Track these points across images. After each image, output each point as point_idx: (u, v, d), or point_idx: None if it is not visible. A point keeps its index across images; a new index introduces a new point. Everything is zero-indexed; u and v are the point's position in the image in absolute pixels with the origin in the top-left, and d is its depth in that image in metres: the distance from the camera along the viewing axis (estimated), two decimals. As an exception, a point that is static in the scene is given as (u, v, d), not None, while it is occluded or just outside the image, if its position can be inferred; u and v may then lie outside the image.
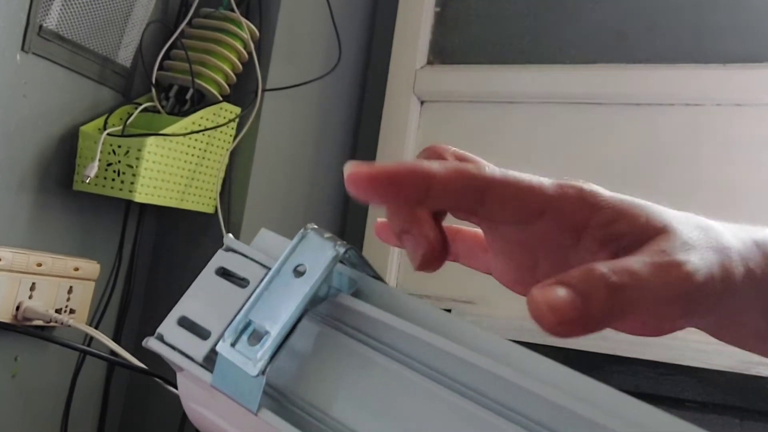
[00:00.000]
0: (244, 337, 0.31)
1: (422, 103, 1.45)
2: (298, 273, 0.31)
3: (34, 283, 1.01)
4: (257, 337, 0.30)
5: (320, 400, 0.31)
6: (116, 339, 1.18)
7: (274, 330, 0.30)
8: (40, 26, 1.02)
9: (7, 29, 0.98)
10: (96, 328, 1.13)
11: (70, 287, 1.07)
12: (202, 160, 1.18)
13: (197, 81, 1.15)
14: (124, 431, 1.25)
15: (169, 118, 1.15)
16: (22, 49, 1.01)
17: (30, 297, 1.01)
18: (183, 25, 1.21)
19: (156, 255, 1.28)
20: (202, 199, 1.20)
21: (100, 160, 1.05)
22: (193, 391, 0.35)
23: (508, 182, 0.33)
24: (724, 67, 1.23)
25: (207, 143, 1.18)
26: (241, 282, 0.34)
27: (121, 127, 1.09)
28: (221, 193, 1.23)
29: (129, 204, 1.20)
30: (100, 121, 1.10)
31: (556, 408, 0.25)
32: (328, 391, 0.31)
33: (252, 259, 0.34)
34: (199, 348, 0.33)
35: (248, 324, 0.31)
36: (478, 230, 0.40)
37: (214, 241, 1.22)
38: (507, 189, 0.32)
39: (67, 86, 1.09)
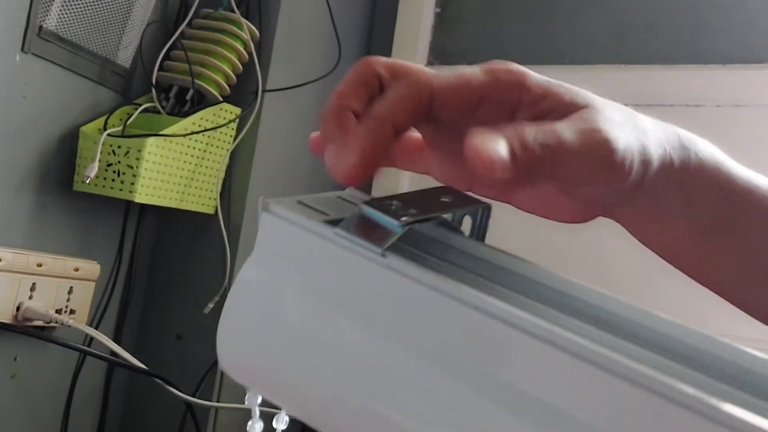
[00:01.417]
0: (386, 208, 0.32)
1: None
2: (443, 198, 0.35)
3: (34, 284, 1.01)
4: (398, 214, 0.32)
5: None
6: (116, 339, 1.18)
7: (417, 214, 0.32)
8: (40, 27, 1.02)
9: (7, 29, 0.98)
10: (96, 328, 1.13)
11: (70, 287, 1.07)
12: (202, 160, 1.18)
13: (197, 81, 1.15)
14: (124, 431, 1.25)
15: (169, 118, 1.15)
16: (22, 49, 1.01)
17: (30, 297, 1.01)
18: (183, 26, 1.21)
19: (156, 255, 1.28)
20: (202, 199, 1.20)
21: (100, 161, 1.05)
22: (273, 261, 0.34)
23: (448, 83, 0.35)
24: (724, 67, 1.24)
25: (207, 144, 1.18)
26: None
27: (121, 128, 1.09)
28: (221, 193, 1.23)
29: (129, 204, 1.20)
30: (100, 122, 1.10)
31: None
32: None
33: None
34: (319, 217, 0.33)
35: (391, 204, 0.32)
36: (414, 133, 0.42)
37: (214, 241, 1.22)
38: (448, 88, 0.35)
39: (66, 87, 1.09)
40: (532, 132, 0.32)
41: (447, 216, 0.34)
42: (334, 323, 0.31)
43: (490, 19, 1.44)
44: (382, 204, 0.32)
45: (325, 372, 0.31)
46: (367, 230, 0.31)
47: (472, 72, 0.36)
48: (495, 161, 0.30)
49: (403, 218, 0.31)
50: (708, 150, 0.41)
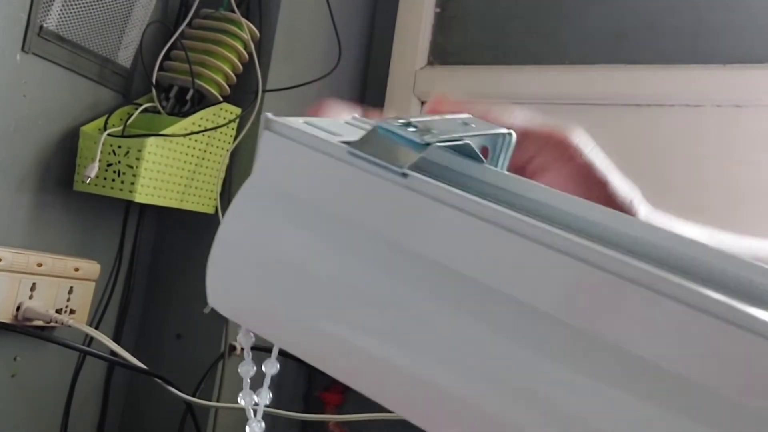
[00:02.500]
0: (404, 128, 0.30)
1: (423, 103, 1.45)
2: (464, 123, 0.34)
3: (34, 284, 1.01)
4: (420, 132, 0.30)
5: None
6: (116, 339, 1.18)
7: (439, 134, 0.30)
8: (41, 26, 1.02)
9: (7, 29, 0.98)
10: (96, 328, 1.13)
11: (71, 287, 1.07)
12: (202, 160, 1.18)
13: (197, 81, 1.15)
14: (124, 431, 1.25)
15: (170, 118, 1.15)
16: (22, 49, 1.01)
17: (30, 297, 1.01)
18: (183, 26, 1.21)
19: (156, 255, 1.28)
20: (202, 199, 1.20)
21: (100, 161, 1.05)
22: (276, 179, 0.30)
23: (526, 129, 0.38)
24: (724, 67, 1.24)
25: (207, 144, 1.18)
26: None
27: (121, 128, 1.09)
28: (221, 193, 1.23)
29: (129, 204, 1.20)
30: (100, 122, 1.10)
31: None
32: None
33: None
34: (330, 137, 0.30)
35: (409, 123, 0.30)
36: None
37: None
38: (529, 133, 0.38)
39: (67, 86, 1.09)
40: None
41: (468, 141, 0.32)
42: (345, 247, 0.28)
43: (490, 19, 1.44)
44: (398, 124, 0.30)
45: (332, 299, 0.28)
46: (384, 150, 0.29)
47: (538, 124, 0.40)
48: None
49: (426, 137, 0.29)
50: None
